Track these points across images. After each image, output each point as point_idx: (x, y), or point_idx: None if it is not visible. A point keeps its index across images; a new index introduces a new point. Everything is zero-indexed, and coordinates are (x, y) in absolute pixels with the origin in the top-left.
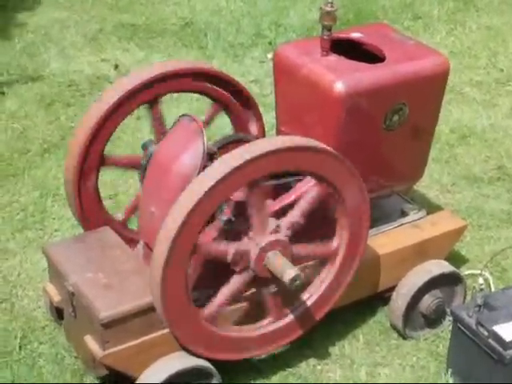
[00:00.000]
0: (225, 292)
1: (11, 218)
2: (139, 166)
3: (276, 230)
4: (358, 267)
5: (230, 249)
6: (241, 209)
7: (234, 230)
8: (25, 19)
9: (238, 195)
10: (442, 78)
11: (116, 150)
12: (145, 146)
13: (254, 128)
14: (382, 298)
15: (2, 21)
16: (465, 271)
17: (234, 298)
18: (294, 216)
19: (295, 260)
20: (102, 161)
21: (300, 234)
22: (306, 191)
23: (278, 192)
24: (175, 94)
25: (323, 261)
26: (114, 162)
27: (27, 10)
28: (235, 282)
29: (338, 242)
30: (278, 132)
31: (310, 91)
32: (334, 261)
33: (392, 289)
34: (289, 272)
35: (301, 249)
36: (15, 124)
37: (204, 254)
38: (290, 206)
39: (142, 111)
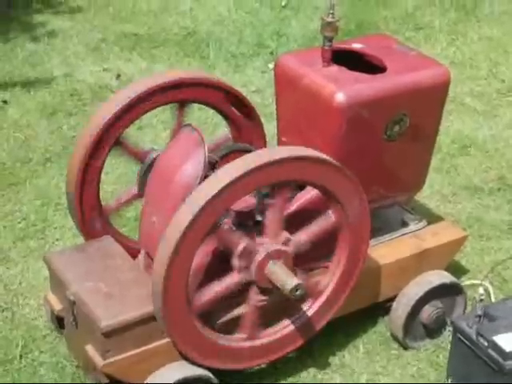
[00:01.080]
0: (217, 286)
1: (13, 227)
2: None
3: (285, 242)
4: (358, 277)
5: (241, 241)
6: (241, 218)
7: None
8: (27, 28)
9: (239, 205)
10: (442, 88)
11: (117, 158)
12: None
13: (255, 138)
14: (382, 308)
15: (5, 30)
16: (465, 281)
17: (225, 295)
18: (304, 236)
19: (296, 272)
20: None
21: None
22: (323, 216)
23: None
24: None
25: (324, 270)
26: (126, 147)
27: (30, 19)
28: (230, 279)
29: (339, 251)
30: (279, 142)
31: (311, 101)
32: (335, 271)
33: (392, 299)
34: (290, 281)
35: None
36: (17, 133)
37: (219, 238)
38: (292, 215)
39: (143, 121)
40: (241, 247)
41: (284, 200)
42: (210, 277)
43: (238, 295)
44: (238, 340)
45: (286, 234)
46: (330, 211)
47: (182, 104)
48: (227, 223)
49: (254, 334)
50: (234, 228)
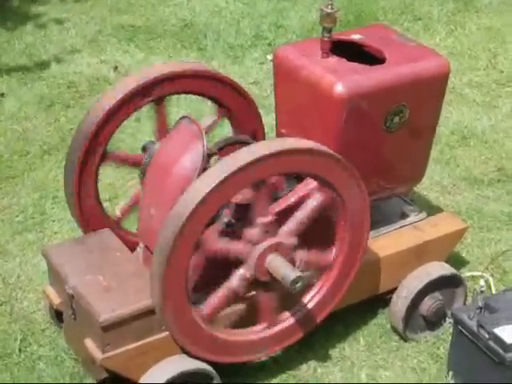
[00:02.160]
0: (223, 292)
1: (11, 220)
2: (139, 164)
3: (279, 233)
4: (358, 269)
5: (232, 247)
6: (241, 211)
7: (235, 232)
8: (24, 20)
9: (239, 197)
10: (442, 79)
11: (115, 151)
12: (145, 148)
13: (253, 130)
14: (382, 300)
15: (2, 21)
16: (465, 273)
17: (233, 299)
18: (297, 221)
19: (297, 264)
20: (103, 159)
21: (301, 239)
22: (309, 197)
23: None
24: (175, 96)
25: (321, 269)
26: (116, 157)
27: (27, 11)
28: (234, 282)
29: (339, 244)
30: (278, 134)
31: (309, 93)
32: (335, 263)
33: (393, 291)
34: (290, 274)
35: (302, 253)
36: (15, 126)
37: (207, 250)
38: (292, 208)
39: (141, 113)
40: (233, 254)
41: (267, 194)
42: (211, 271)
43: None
44: (237, 333)
45: (277, 226)
46: (317, 193)
47: (159, 100)
48: (227, 215)
49: (272, 322)
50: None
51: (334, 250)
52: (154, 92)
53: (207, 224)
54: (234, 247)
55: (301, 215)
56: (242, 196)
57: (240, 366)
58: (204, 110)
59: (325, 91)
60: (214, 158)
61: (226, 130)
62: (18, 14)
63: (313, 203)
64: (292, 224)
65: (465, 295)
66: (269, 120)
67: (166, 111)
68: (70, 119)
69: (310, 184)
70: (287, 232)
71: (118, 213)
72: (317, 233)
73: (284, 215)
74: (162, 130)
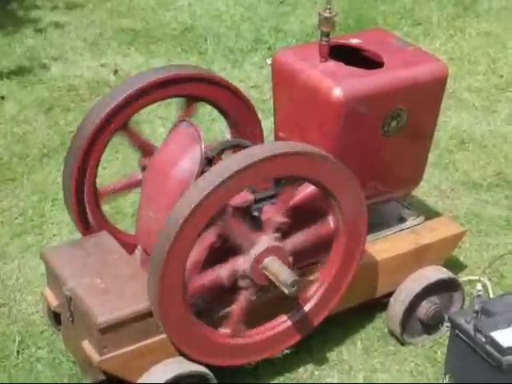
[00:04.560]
0: (237, 309)
1: (10, 223)
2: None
3: (267, 238)
4: (355, 273)
5: (221, 273)
6: (239, 214)
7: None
8: (25, 23)
9: (237, 201)
10: (440, 83)
11: (115, 154)
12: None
13: (252, 133)
14: (380, 304)
15: (2, 24)
16: (463, 277)
17: (248, 310)
18: (302, 239)
19: (294, 267)
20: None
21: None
22: (321, 223)
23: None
24: (174, 99)
25: (321, 266)
26: (111, 191)
27: (27, 14)
28: (243, 297)
29: (336, 247)
30: (277, 137)
31: (308, 97)
32: (332, 266)
33: (390, 294)
34: (287, 277)
35: (296, 240)
36: (15, 128)
37: (197, 290)
38: (290, 210)
39: (140, 116)
40: (224, 279)
41: (285, 198)
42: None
43: (233, 292)
44: (234, 336)
45: (259, 233)
46: (329, 217)
47: (189, 101)
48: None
49: (247, 331)
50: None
51: (331, 253)
52: (153, 95)
53: (205, 227)
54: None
55: (307, 235)
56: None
57: (237, 368)
58: (202, 114)
59: (323, 95)
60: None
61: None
62: (18, 17)
63: (322, 228)
64: (299, 238)
65: (462, 299)
66: (268, 124)
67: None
68: (70, 122)
69: (307, 187)
70: (291, 242)
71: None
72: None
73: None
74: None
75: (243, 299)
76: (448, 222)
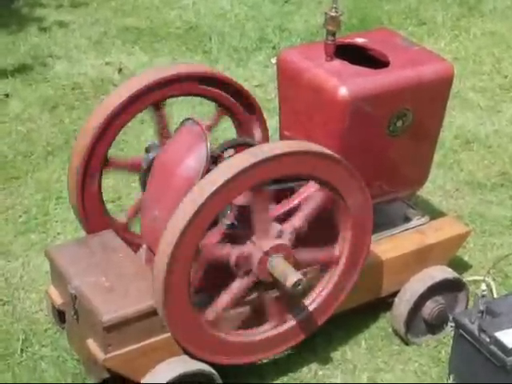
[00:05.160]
0: (226, 296)
1: (14, 221)
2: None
3: (279, 235)
4: (360, 272)
5: (232, 252)
6: (244, 213)
7: (237, 234)
8: (29, 22)
9: (241, 199)
10: (446, 83)
11: (119, 153)
12: (148, 149)
13: (257, 132)
14: (384, 304)
15: (7, 23)
16: (467, 277)
17: (236, 302)
18: (297, 221)
19: (298, 265)
20: (106, 163)
21: (303, 239)
22: (309, 196)
23: (281, 196)
24: (179, 98)
25: (326, 266)
26: (117, 164)
27: (32, 12)
28: (237, 286)
29: (341, 246)
30: (282, 136)
31: (313, 96)
32: (337, 266)
33: (395, 294)
34: (291, 276)
35: (304, 254)
36: (19, 126)
37: (207, 257)
38: (294, 210)
39: (145, 115)
40: (233, 259)
41: (264, 194)
42: (215, 272)
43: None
44: (238, 335)
45: (277, 227)
46: (318, 191)
47: (157, 105)
48: (229, 217)
49: (280, 321)
50: (230, 231)
51: (336, 252)
52: (158, 94)
53: (210, 225)
54: (236, 249)
55: (302, 213)
56: (244, 198)
57: (241, 367)
58: (207, 112)
59: (328, 94)
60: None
61: (230, 132)
62: (23, 15)
63: (313, 202)
64: (294, 222)
65: (467, 299)
66: (273, 123)
67: (165, 114)
68: (74, 120)
69: (313, 187)
70: (289, 230)
71: (123, 218)
72: (320, 235)
73: (286, 217)
74: (164, 134)
75: (236, 287)
76: (452, 222)
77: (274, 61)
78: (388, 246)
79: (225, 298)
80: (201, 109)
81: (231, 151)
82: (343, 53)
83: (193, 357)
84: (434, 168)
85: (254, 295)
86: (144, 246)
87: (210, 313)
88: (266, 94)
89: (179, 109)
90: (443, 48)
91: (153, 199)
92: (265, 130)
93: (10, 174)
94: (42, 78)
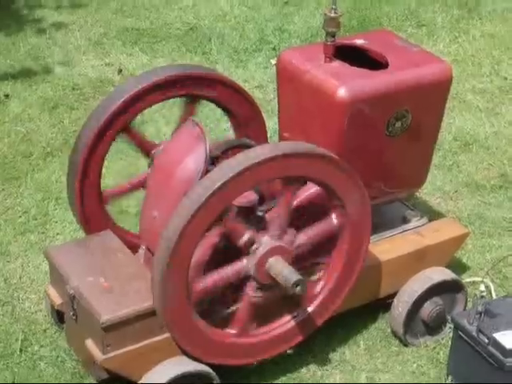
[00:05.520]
0: (242, 309)
1: (13, 221)
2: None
3: (287, 239)
4: (359, 273)
5: (247, 232)
6: (243, 213)
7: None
8: (29, 22)
9: (240, 200)
10: (445, 85)
11: (119, 153)
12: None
13: (256, 133)
14: (383, 305)
15: (7, 23)
16: (466, 278)
17: (224, 284)
18: (305, 238)
19: (296, 265)
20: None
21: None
22: (325, 221)
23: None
24: (177, 98)
25: (325, 266)
26: (114, 194)
27: (31, 13)
28: (227, 269)
29: (339, 247)
30: (281, 137)
31: (312, 97)
32: (335, 267)
33: (393, 295)
34: (291, 277)
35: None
36: (19, 127)
37: (224, 228)
38: (294, 211)
39: (145, 116)
40: (245, 238)
41: (290, 197)
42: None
43: (236, 291)
44: (237, 336)
45: (289, 231)
46: (332, 215)
47: (193, 99)
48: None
49: (250, 330)
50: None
51: (334, 254)
52: (157, 95)
53: (208, 227)
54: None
55: (311, 234)
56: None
57: (240, 368)
58: (207, 113)
59: (327, 95)
60: None
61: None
62: (23, 16)
63: (325, 226)
64: (303, 238)
65: (465, 300)
66: (272, 124)
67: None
68: (74, 121)
69: (311, 188)
70: (295, 242)
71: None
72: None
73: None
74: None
75: (247, 299)
76: (451, 224)
77: (273, 62)
78: (386, 247)
79: (242, 312)
80: (200, 109)
81: (230, 152)
82: (342, 54)
83: (191, 357)
84: (432, 169)
85: (255, 296)
86: (143, 247)
87: (235, 327)
88: (265, 95)
89: (178, 109)
90: (442, 50)
91: (152, 200)
92: (264, 131)
93: (9, 174)
94: (41, 79)
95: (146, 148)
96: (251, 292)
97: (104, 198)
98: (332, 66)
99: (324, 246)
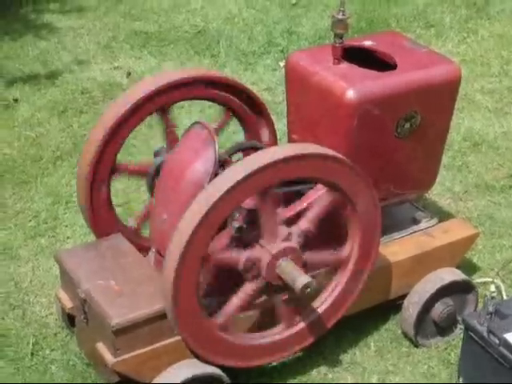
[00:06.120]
0: (236, 301)
1: (24, 225)
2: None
3: (287, 238)
4: (369, 275)
5: (241, 256)
6: (252, 216)
7: (246, 238)
8: (38, 27)
9: (250, 203)
10: (453, 85)
11: (128, 157)
12: (157, 154)
13: (265, 135)
14: (393, 306)
15: (16, 28)
16: (476, 279)
17: (245, 306)
18: (305, 223)
19: (307, 267)
20: (115, 168)
21: (312, 242)
22: (318, 198)
23: (289, 199)
24: (187, 102)
25: (335, 268)
26: (125, 169)
27: (40, 17)
28: (246, 289)
29: (350, 249)
30: (290, 139)
31: (321, 99)
32: (346, 268)
33: (404, 296)
34: (300, 279)
35: (312, 256)
36: (28, 131)
37: (215, 262)
38: (302, 213)
39: (154, 119)
40: (241, 263)
41: (272, 197)
42: (224, 274)
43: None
44: (248, 338)
45: (285, 229)
46: (326, 191)
47: (164, 109)
48: (238, 221)
49: (290, 324)
50: (238, 234)
51: (345, 255)
52: (166, 98)
53: (218, 229)
54: (245, 253)
55: (310, 216)
56: (253, 201)
57: (250, 370)
58: (216, 116)
59: (336, 97)
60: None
61: (238, 136)
62: (31, 20)
63: (321, 203)
64: (302, 224)
65: (476, 301)
66: (281, 126)
67: (171, 119)
68: (83, 125)
69: (321, 189)
70: (297, 232)
71: (132, 223)
72: (329, 238)
73: (295, 221)
74: (171, 138)
75: (244, 291)
76: (461, 224)
77: (282, 64)
78: (396, 249)
79: (234, 302)
80: (209, 112)
81: (239, 155)
82: (351, 56)
83: (202, 360)
84: (442, 170)
85: (264, 298)
86: (153, 250)
87: (220, 317)
88: (274, 97)
89: (188, 112)
90: (451, 50)
91: (161, 203)
92: (273, 133)
93: (19, 178)
94: (50, 83)
95: (141, 173)
96: (252, 286)
97: (129, 232)
98: (340, 68)
99: (334, 247)
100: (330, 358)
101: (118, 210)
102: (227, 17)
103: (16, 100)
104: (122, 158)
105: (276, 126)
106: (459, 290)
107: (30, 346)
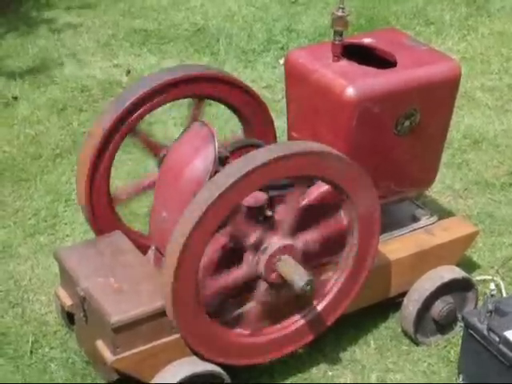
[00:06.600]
0: (253, 309)
1: (23, 223)
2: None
3: (296, 238)
4: (369, 272)
5: (254, 233)
6: (252, 214)
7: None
8: (37, 24)
9: (249, 200)
10: (453, 83)
11: (128, 154)
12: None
13: (265, 133)
14: (393, 304)
15: (15, 26)
16: (476, 277)
17: (229, 290)
18: (313, 238)
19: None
20: (131, 132)
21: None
22: (334, 220)
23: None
24: (186, 99)
25: (334, 266)
26: (144, 139)
27: (40, 15)
28: (236, 272)
29: (349, 247)
30: (289, 137)
31: (321, 96)
32: (345, 266)
33: (403, 294)
34: (301, 277)
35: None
36: (28, 129)
37: (231, 229)
38: (303, 210)
39: (153, 117)
40: (253, 238)
41: (298, 196)
42: (220, 273)
43: (247, 291)
44: (247, 335)
45: (298, 231)
46: (341, 212)
47: (200, 99)
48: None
49: (261, 330)
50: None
51: (344, 253)
52: (166, 96)
53: (218, 227)
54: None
55: (321, 232)
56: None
57: (250, 368)
58: (215, 113)
59: (336, 95)
60: None
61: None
62: (31, 18)
63: (335, 224)
64: (312, 235)
65: (476, 299)
66: (280, 123)
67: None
68: (83, 123)
69: (322, 187)
70: (304, 240)
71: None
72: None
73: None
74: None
75: (258, 299)
76: (461, 222)
77: (281, 62)
78: (396, 246)
79: (252, 311)
80: (209, 110)
81: (239, 152)
82: (351, 53)
83: (202, 358)
84: (442, 168)
85: (264, 296)
86: (152, 247)
87: (246, 327)
88: (273, 94)
89: (187, 110)
90: (451, 48)
91: (161, 200)
92: (272, 130)
93: (18, 176)
94: (50, 81)
95: (153, 149)
96: (262, 292)
97: (114, 200)
98: (340, 65)
99: (334, 245)
100: (330, 356)
101: (118, 208)
102: (227, 14)
103: (15, 98)
104: (121, 154)
105: (275, 124)
106: (459, 287)
107: (30, 343)
